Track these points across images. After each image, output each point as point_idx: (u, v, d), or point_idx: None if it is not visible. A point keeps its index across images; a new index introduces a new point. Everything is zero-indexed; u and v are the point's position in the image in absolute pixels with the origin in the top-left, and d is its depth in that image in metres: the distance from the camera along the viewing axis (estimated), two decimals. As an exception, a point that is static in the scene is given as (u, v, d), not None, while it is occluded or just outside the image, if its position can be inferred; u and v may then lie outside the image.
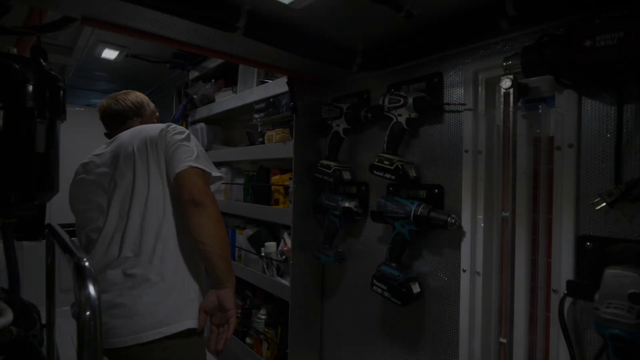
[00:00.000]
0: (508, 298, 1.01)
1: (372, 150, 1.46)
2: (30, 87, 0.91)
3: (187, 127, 2.63)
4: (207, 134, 2.39)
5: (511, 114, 0.99)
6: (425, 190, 1.27)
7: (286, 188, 1.62)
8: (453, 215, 1.14)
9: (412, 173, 1.27)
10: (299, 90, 1.56)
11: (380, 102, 1.31)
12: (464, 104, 1.15)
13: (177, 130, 1.15)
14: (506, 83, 0.99)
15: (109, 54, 2.69)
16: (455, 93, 1.20)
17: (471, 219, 1.14)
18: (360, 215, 1.45)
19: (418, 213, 1.19)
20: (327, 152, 1.54)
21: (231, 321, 1.05)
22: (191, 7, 0.96)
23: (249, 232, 1.90)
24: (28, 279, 2.74)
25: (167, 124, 1.19)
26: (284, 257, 1.63)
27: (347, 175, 1.49)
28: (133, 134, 1.17)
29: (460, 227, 1.15)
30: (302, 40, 1.20)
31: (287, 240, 1.64)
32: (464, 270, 1.15)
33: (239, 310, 2.01)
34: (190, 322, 1.05)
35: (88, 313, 0.74)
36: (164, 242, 1.08)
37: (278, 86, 1.67)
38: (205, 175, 1.09)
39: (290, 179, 1.60)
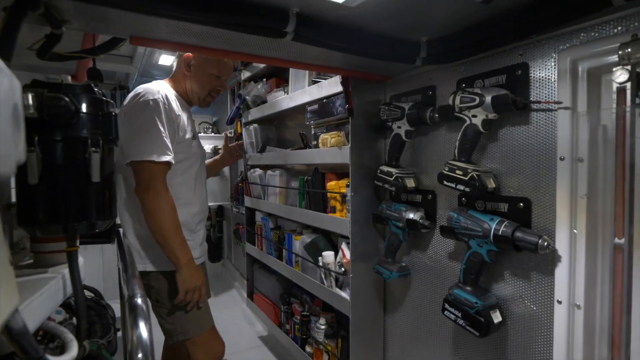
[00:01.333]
0: (622, 343, 0.82)
1: (439, 154, 1.30)
2: (84, 117, 0.89)
3: (241, 128, 2.62)
4: (261, 135, 2.35)
5: (628, 114, 0.78)
6: (506, 204, 1.09)
7: (343, 196, 1.52)
8: (545, 237, 0.95)
9: (491, 183, 1.09)
10: (354, 89, 1.43)
11: (450, 102, 1.13)
12: (559, 102, 0.94)
13: (136, 104, 1.31)
14: (622, 76, 0.78)
15: (166, 59, 2.77)
16: (546, 88, 0.99)
17: (569, 242, 0.94)
18: (427, 228, 1.30)
19: (500, 232, 1.02)
20: (387, 157, 1.40)
21: (193, 299, 1.36)
22: (236, 17, 0.87)
23: (305, 238, 1.83)
24: (112, 278, 2.94)
25: (135, 93, 1.36)
26: (342, 269, 1.54)
27: (410, 183, 1.34)
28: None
29: (554, 251, 0.96)
30: (357, 38, 1.06)
31: (346, 251, 1.54)
32: (559, 302, 0.97)
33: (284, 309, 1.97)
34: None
35: (140, 355, 0.71)
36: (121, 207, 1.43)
37: (331, 86, 1.55)
38: (150, 164, 1.27)
39: (347, 185, 1.49)
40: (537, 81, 1.02)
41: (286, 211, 1.95)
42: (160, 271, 1.40)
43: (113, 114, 0.96)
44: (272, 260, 2.18)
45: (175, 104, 1.41)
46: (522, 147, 1.05)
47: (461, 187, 1.09)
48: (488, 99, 1.04)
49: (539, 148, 1.01)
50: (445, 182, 1.14)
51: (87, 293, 2.28)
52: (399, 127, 1.34)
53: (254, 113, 2.35)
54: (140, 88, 1.39)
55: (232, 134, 3.11)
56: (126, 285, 0.82)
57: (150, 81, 1.57)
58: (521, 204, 1.05)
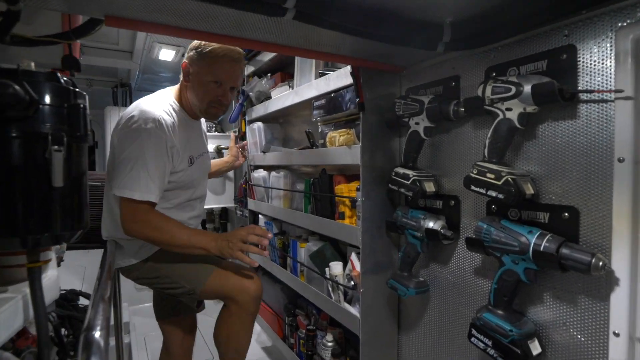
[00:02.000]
0: None
1: (463, 154, 1.13)
2: (45, 109, 0.75)
3: (245, 127, 2.47)
4: (265, 133, 2.20)
5: None
6: (547, 213, 0.92)
7: (353, 200, 1.36)
8: (600, 256, 0.78)
9: (529, 189, 0.92)
10: (365, 82, 1.27)
11: (480, 93, 0.97)
12: (619, 91, 0.77)
13: (127, 131, 1.21)
14: None
15: (166, 54, 2.64)
16: (600, 75, 0.82)
17: (630, 262, 0.77)
18: (449, 240, 1.13)
19: (541, 248, 0.85)
20: (403, 157, 1.24)
21: (245, 248, 1.23)
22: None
23: (311, 246, 1.67)
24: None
25: (130, 115, 1.24)
26: (352, 282, 1.38)
27: (430, 187, 1.17)
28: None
29: (610, 272, 0.79)
30: (369, 18, 0.91)
31: (356, 263, 1.38)
32: (616, 334, 0.79)
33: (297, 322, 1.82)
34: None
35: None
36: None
37: (340, 78, 1.39)
38: (132, 201, 1.19)
39: (358, 189, 1.33)
40: (587, 67, 0.84)
41: (290, 216, 1.80)
42: (147, 256, 1.35)
43: (82, 106, 0.81)
44: (275, 268, 2.03)
45: (171, 131, 1.26)
46: (568, 146, 0.88)
47: (493, 194, 0.92)
48: (527, 88, 0.87)
49: (590, 147, 0.84)
50: (473, 188, 0.97)
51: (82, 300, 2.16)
52: (416, 124, 1.18)
53: (258, 110, 2.21)
54: (136, 110, 1.25)
55: (237, 133, 2.97)
56: (89, 310, 0.68)
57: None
58: (566, 214, 0.88)
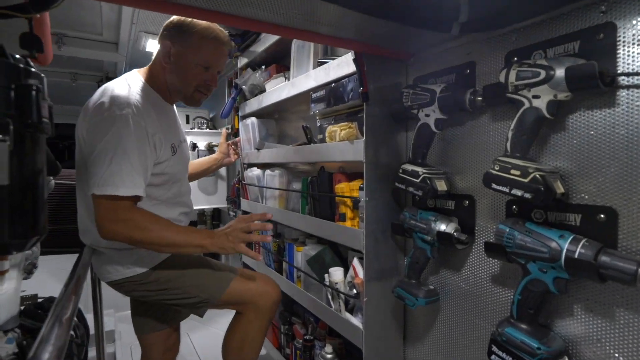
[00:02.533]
0: None
1: (480, 148, 1.02)
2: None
3: (238, 123, 2.35)
4: (259, 129, 2.08)
5: None
6: (579, 215, 0.81)
7: (355, 201, 1.24)
8: (648, 265, 0.67)
9: (559, 188, 0.81)
10: (370, 69, 1.15)
11: (502, 79, 0.86)
12: (673, 73, 0.66)
13: (99, 120, 1.08)
14: None
15: (154, 45, 2.50)
16: (646, 55, 0.71)
17: (685, 271, 0.66)
18: (463, 244, 1.02)
19: (576, 255, 0.74)
20: (412, 153, 1.12)
21: (241, 237, 1.15)
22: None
23: (309, 250, 1.55)
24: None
25: (98, 102, 1.10)
26: (354, 290, 1.26)
27: (442, 186, 1.06)
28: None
29: (661, 284, 0.68)
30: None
31: (358, 269, 1.27)
32: (666, 355, 0.69)
33: (299, 341, 1.70)
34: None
35: None
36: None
37: (341, 67, 1.27)
38: (114, 199, 1.05)
39: (361, 188, 1.21)
40: (629, 48, 0.73)
41: (286, 217, 1.68)
42: (150, 268, 1.24)
43: (34, 87, 0.68)
44: (271, 272, 1.91)
45: (149, 116, 1.14)
46: (604, 139, 0.77)
47: (518, 192, 0.81)
48: (560, 72, 0.76)
49: (632, 139, 0.73)
50: (494, 186, 0.86)
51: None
52: (427, 116, 1.06)
53: (252, 104, 2.08)
54: (105, 96, 1.11)
55: (230, 130, 2.84)
56: (44, 330, 0.55)
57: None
58: (602, 216, 0.77)
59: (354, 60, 1.14)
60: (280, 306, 2.00)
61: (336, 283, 1.33)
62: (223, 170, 3.01)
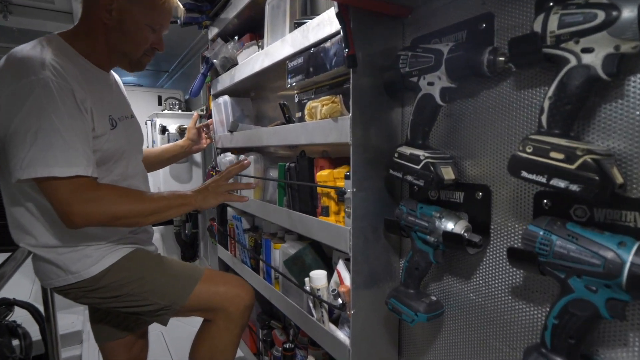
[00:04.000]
0: None
1: (499, 125, 0.79)
2: None
3: (211, 102, 2.08)
4: (233, 109, 1.82)
5: None
6: (638, 213, 0.59)
7: (340, 192, 1.01)
8: None
9: (617, 177, 0.59)
10: (357, 28, 0.91)
11: (538, 27, 0.62)
12: None
13: (10, 91, 0.86)
14: None
15: (113, 14, 2.19)
16: None
17: None
18: (477, 248, 0.80)
19: (646, 271, 0.53)
20: (410, 132, 0.89)
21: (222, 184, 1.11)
22: None
23: (288, 249, 1.33)
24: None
25: (6, 70, 0.88)
26: (339, 299, 1.04)
27: (448, 174, 0.83)
28: None
29: None
30: None
31: (344, 274, 1.05)
32: None
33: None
34: None
35: None
36: None
37: (322, 27, 1.02)
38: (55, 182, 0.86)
39: (347, 177, 0.98)
40: None
41: (263, 210, 1.45)
42: (100, 271, 1.04)
43: None
44: (246, 271, 1.69)
45: (74, 79, 0.91)
46: (686, 107, 0.55)
47: (561, 184, 0.59)
48: (629, 12, 0.53)
49: None
50: (525, 175, 0.63)
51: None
52: (430, 84, 0.83)
53: (224, 81, 1.81)
54: (11, 60, 0.89)
55: (204, 111, 2.57)
56: None
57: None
58: (675, 215, 0.56)
59: (338, 15, 0.89)
60: (257, 307, 1.80)
61: (318, 289, 1.11)
62: (198, 156, 2.75)
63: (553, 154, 0.60)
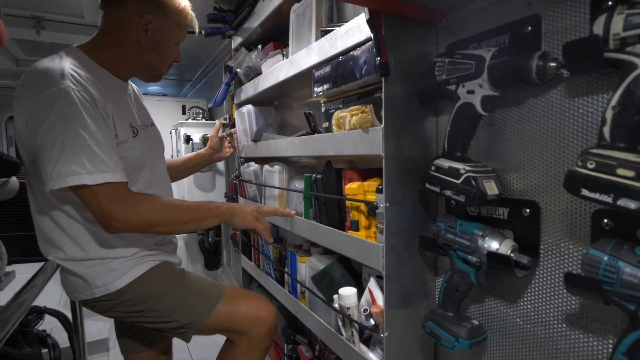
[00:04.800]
0: None
1: (549, 136, 0.73)
2: None
3: (234, 111, 2.07)
4: (257, 118, 1.80)
5: None
6: None
7: (372, 206, 0.96)
8: None
9: (698, 197, 0.52)
10: (389, 34, 0.86)
11: (599, 30, 0.56)
12: None
13: (34, 103, 0.87)
14: None
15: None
16: None
17: None
18: (526, 270, 0.74)
19: None
20: (448, 143, 0.83)
21: (257, 232, 1.13)
22: None
23: (315, 262, 1.28)
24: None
25: (27, 84, 0.90)
26: (371, 320, 0.99)
27: (491, 189, 0.77)
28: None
29: None
30: None
31: (376, 294, 0.99)
32: None
33: None
34: None
35: None
36: None
37: (350, 35, 0.98)
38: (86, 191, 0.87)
39: (378, 190, 0.93)
40: None
41: (288, 222, 1.41)
42: (124, 285, 1.03)
43: None
44: (271, 283, 1.65)
45: (94, 87, 0.93)
46: None
47: (632, 205, 0.52)
48: None
49: None
50: (586, 193, 0.57)
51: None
52: (470, 92, 0.77)
53: (247, 90, 1.80)
54: (33, 75, 0.91)
55: (227, 120, 2.57)
56: None
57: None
58: None
59: (369, 22, 0.85)
60: (282, 321, 1.76)
61: (348, 308, 1.06)
62: (221, 165, 2.75)
63: (621, 171, 0.53)
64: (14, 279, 1.71)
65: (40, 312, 1.74)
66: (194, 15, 1.13)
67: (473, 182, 0.76)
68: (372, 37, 0.85)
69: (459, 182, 0.78)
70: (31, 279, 1.10)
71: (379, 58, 0.84)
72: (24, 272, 1.66)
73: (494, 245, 0.76)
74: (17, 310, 0.94)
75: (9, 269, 1.63)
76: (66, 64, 0.90)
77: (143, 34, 1.01)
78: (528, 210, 0.76)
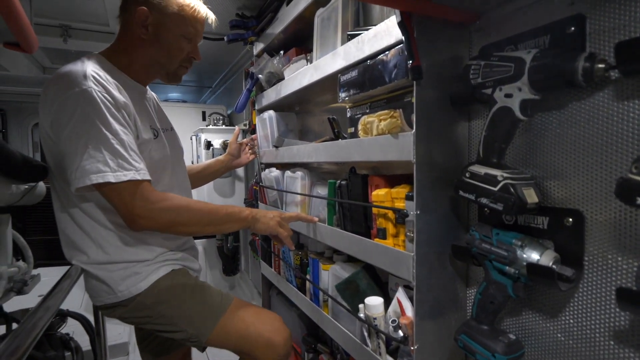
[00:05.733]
0: None
1: (593, 141, 0.69)
2: None
3: (255, 117, 2.08)
4: (278, 124, 1.79)
5: None
6: None
7: (401, 214, 0.93)
8: None
9: None
10: (420, 36, 0.84)
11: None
12: None
13: (58, 105, 0.89)
14: None
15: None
16: None
17: None
18: (569, 283, 0.70)
19: None
20: (484, 149, 0.80)
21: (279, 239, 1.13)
22: None
23: (338, 270, 1.26)
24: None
25: (51, 87, 0.91)
26: (400, 332, 0.95)
27: (531, 197, 0.74)
28: None
29: None
30: None
31: (405, 305, 0.96)
32: None
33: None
34: None
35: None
36: None
37: (379, 38, 0.97)
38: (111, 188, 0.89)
39: (409, 197, 0.90)
40: None
41: (310, 228, 1.39)
42: (146, 288, 1.03)
43: None
44: (292, 290, 1.63)
45: (115, 89, 0.95)
46: None
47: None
48: None
49: None
50: (644, 202, 0.53)
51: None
52: (508, 96, 0.74)
53: (269, 96, 1.80)
54: (55, 79, 0.92)
55: (247, 126, 2.58)
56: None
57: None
58: None
59: (400, 24, 0.83)
60: (303, 329, 1.73)
61: (375, 318, 1.03)
62: (241, 171, 2.76)
63: (685, 179, 0.49)
64: (39, 282, 1.74)
65: (63, 315, 1.77)
66: (207, 9, 1.11)
67: (512, 190, 0.73)
68: (404, 39, 0.83)
69: (496, 189, 0.75)
70: (57, 284, 1.10)
71: (410, 61, 0.82)
72: (48, 275, 1.69)
73: (534, 256, 0.72)
74: (44, 315, 0.95)
75: (34, 272, 1.66)
76: (88, 67, 0.92)
77: (144, 30, 1.01)
78: (571, 219, 0.72)
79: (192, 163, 2.75)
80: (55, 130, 0.90)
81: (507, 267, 0.76)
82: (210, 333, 1.03)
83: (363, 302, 1.07)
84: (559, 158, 0.75)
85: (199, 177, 1.54)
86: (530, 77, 0.70)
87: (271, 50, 1.85)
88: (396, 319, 0.96)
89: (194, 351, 1.44)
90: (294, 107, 1.93)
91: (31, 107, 4.21)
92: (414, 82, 0.84)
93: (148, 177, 0.93)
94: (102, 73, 0.94)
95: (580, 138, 0.71)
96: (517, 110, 0.73)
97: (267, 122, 1.81)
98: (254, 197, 2.40)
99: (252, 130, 2.16)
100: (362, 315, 1.08)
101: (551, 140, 0.76)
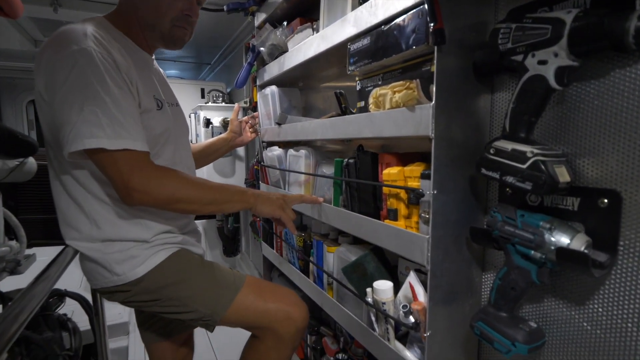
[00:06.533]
0: None
1: (636, 116, 0.62)
2: None
3: (256, 93, 1.99)
4: (280, 100, 1.71)
5: None
6: None
7: (416, 194, 0.86)
8: None
9: None
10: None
11: None
12: None
13: (54, 64, 0.81)
14: None
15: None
16: None
17: None
18: (602, 269, 0.64)
19: None
20: (510, 123, 0.73)
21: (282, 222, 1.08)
22: None
23: (344, 253, 1.21)
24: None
25: (48, 45, 0.84)
26: (411, 317, 0.91)
27: (563, 175, 0.67)
28: None
29: None
30: None
31: (418, 289, 0.91)
32: None
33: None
34: None
35: None
36: None
37: (394, 1, 0.88)
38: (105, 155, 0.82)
39: (424, 175, 0.84)
40: None
41: (314, 209, 1.33)
42: (145, 273, 0.97)
43: None
44: (294, 272, 1.59)
45: (117, 52, 0.88)
46: None
47: None
48: None
49: None
50: None
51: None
52: (541, 63, 0.67)
53: (271, 69, 1.71)
54: (55, 37, 0.85)
55: (248, 103, 2.49)
56: None
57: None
58: None
59: (421, -17, 0.74)
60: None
61: (383, 303, 0.98)
62: (241, 150, 2.69)
63: None
64: (34, 262, 1.69)
65: (61, 295, 1.73)
66: None
67: (542, 167, 0.66)
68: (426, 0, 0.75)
69: (524, 167, 0.68)
70: (51, 263, 1.05)
71: (432, 24, 0.74)
72: (44, 254, 1.64)
73: (564, 240, 0.66)
74: (37, 294, 0.90)
75: (29, 251, 1.61)
76: (89, 27, 0.86)
77: None
78: (606, 200, 0.66)
79: (191, 142, 2.67)
80: (49, 92, 0.83)
81: (533, 252, 0.70)
82: (227, 310, 1.00)
83: (371, 286, 1.02)
84: (596, 133, 0.68)
85: (202, 156, 1.48)
86: (571, 40, 0.62)
87: (274, 21, 1.75)
88: (407, 304, 0.91)
89: (197, 338, 1.41)
90: (297, 83, 1.84)
91: (25, 84, 4.09)
92: (435, 48, 0.76)
93: (146, 149, 0.87)
94: (104, 34, 0.87)
95: (622, 110, 0.64)
96: (551, 79, 0.66)
97: (269, 98, 1.72)
98: (254, 177, 2.33)
99: (254, 107, 2.08)
100: (369, 299, 1.03)
101: (587, 114, 0.69)
